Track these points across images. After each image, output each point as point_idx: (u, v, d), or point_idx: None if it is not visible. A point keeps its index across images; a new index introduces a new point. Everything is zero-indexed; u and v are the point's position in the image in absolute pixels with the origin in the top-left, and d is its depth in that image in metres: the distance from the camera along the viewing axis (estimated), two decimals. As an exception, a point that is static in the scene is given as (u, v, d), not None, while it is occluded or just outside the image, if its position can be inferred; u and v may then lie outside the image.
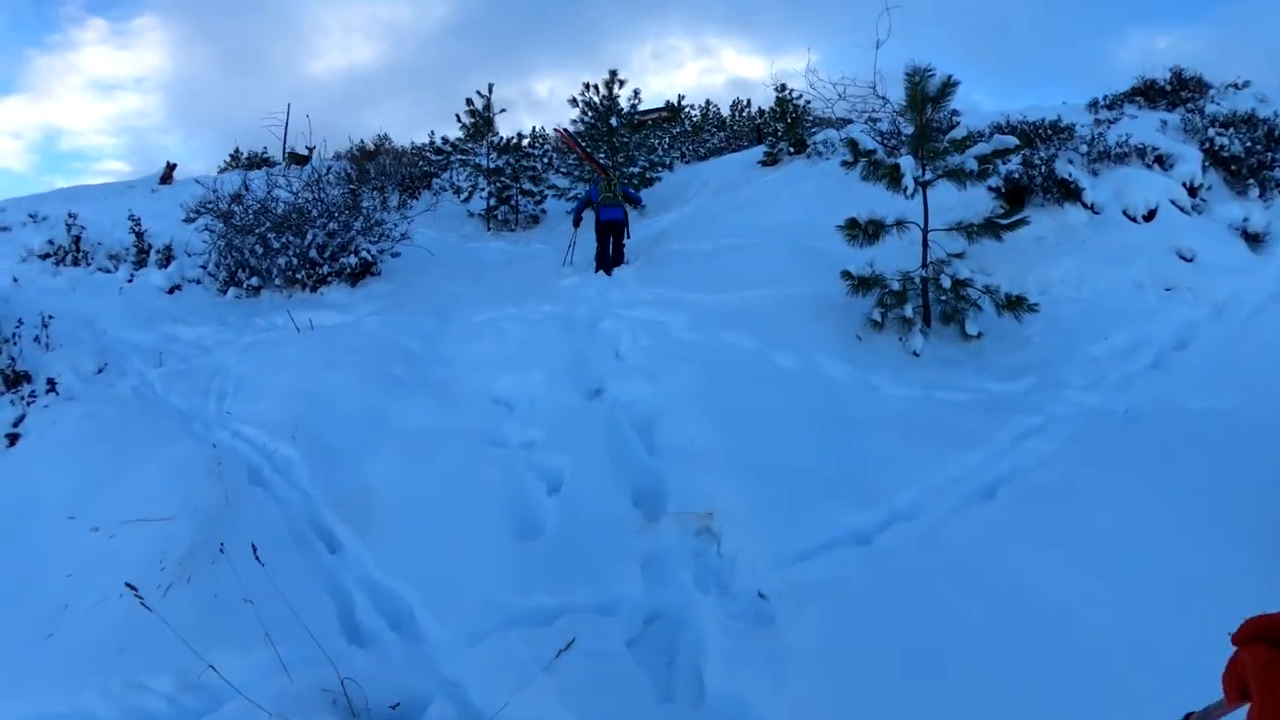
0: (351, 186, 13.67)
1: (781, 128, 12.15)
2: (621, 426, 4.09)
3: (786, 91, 12.73)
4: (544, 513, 3.41)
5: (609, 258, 7.97)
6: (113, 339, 7.11)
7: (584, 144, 11.97)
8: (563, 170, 12.69)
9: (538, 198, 12.41)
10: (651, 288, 6.55)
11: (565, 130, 11.22)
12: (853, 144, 5.02)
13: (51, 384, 5.87)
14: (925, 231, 5.10)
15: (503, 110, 12.35)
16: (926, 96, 4.75)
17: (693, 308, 5.77)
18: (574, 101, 12.07)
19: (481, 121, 12.29)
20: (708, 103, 20.02)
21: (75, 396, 5.81)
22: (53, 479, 4.50)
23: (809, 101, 11.90)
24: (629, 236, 8.37)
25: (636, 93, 12.12)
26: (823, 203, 8.01)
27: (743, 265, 6.53)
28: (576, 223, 8.55)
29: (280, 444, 4.34)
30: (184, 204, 9.32)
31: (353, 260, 7.53)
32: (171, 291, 7.95)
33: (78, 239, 9.23)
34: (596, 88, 11.97)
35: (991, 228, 4.93)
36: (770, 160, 12.06)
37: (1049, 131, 7.95)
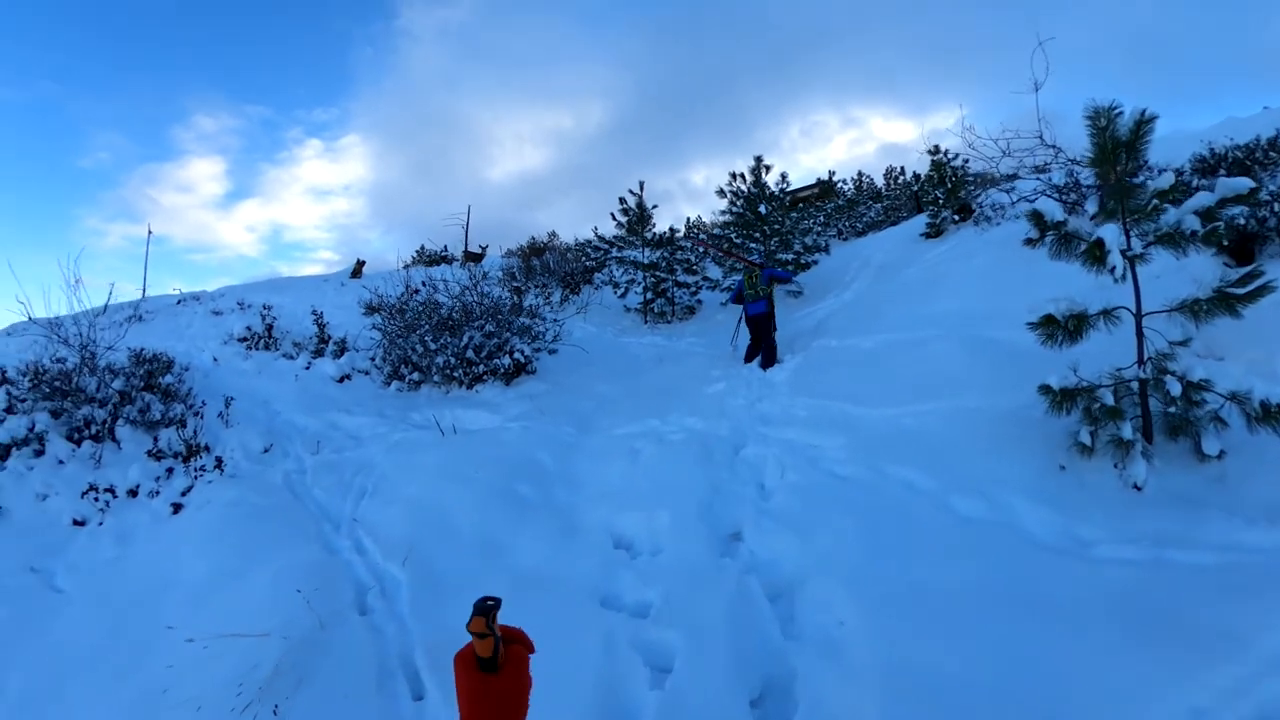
0: (515, 285, 14.51)
1: (941, 194, 11.11)
2: (754, 595, 3.28)
3: (941, 153, 11.75)
4: (641, 708, 2.70)
5: (756, 351, 7.86)
6: (283, 421, 7.60)
7: (728, 237, 11.83)
8: (717, 259, 12.60)
9: (693, 289, 12.33)
10: (806, 397, 5.79)
11: (699, 236, 11.17)
12: (1037, 217, 3.89)
13: (219, 462, 6.29)
14: (1139, 317, 3.80)
15: (655, 206, 12.56)
16: (1118, 142, 3.59)
17: (852, 427, 4.95)
18: (722, 193, 11.98)
19: (635, 218, 12.55)
20: (860, 174, 19.26)
21: (237, 474, 6.10)
22: (192, 561, 4.61)
23: (967, 161, 10.85)
24: (774, 328, 8.05)
25: (784, 176, 11.87)
26: (999, 279, 6.95)
27: (910, 369, 5.58)
28: (738, 300, 8.38)
29: (393, 565, 4.11)
30: (360, 299, 10.13)
31: (506, 361, 7.63)
32: (341, 380, 8.48)
33: (270, 327, 10.31)
34: (743, 176, 11.84)
35: (1224, 301, 3.47)
36: (934, 232, 11.02)
37: (1268, 153, 6.30)
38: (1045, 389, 3.91)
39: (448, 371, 7.58)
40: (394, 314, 8.37)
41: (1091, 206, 4.05)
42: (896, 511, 3.75)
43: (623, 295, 12.42)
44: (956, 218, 10.92)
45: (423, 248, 22.96)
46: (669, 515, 4.13)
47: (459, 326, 7.80)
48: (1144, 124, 3.61)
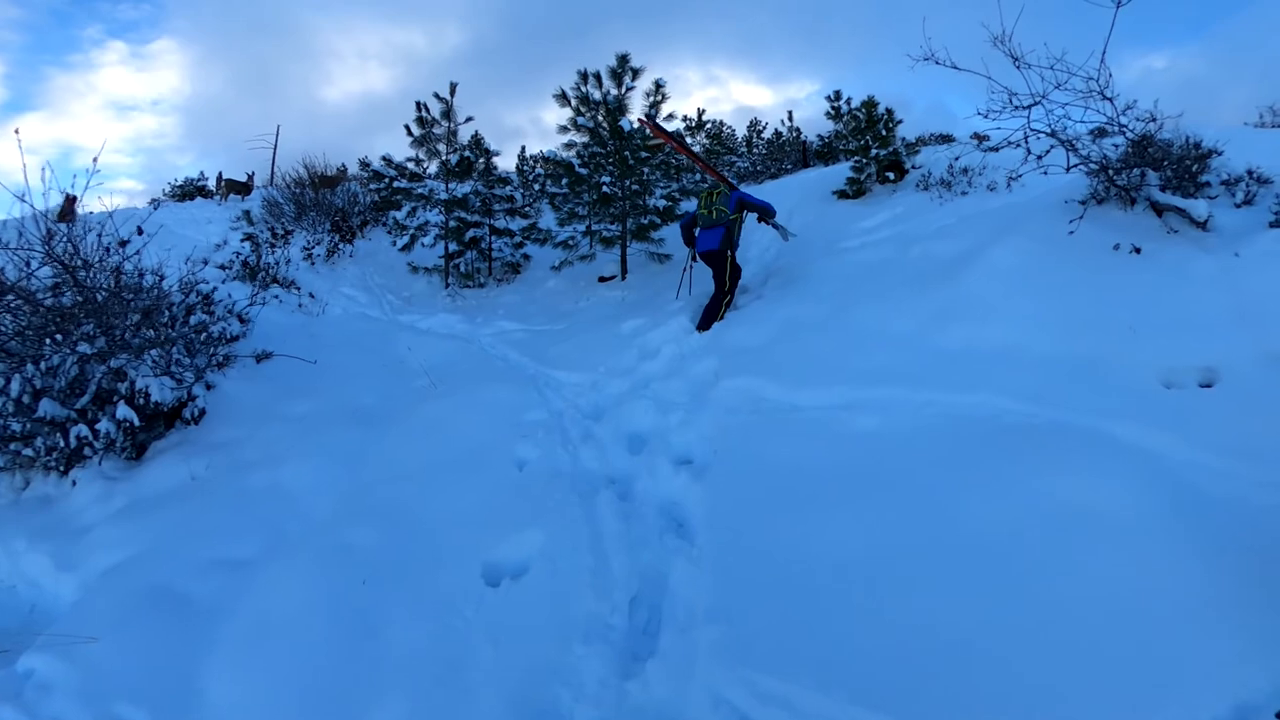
0: (249, 232, 9.98)
1: (872, 144, 8.10)
2: None
3: (841, 100, 8.95)
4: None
5: (711, 311, 5.43)
6: None
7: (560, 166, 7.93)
8: (557, 202, 8.42)
9: (517, 239, 8.63)
10: (758, 674, 2.00)
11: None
12: None
13: None
14: None
15: (469, 118, 8.56)
16: None
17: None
18: (564, 98, 7.57)
19: (435, 133, 8.54)
20: (720, 122, 15.97)
21: None
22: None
23: (891, 111, 7.91)
24: (735, 275, 5.59)
25: (659, 86, 7.41)
26: (1065, 293, 3.47)
27: (1047, 562, 2.07)
28: (688, 241, 6.10)
29: None
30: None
31: (107, 426, 3.47)
32: None
33: None
34: (598, 78, 7.48)
35: None
36: (856, 190, 8.05)
37: None
38: None
39: (15, 443, 3.42)
40: None
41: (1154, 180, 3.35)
42: None
43: (405, 248, 8.48)
44: (891, 176, 7.99)
45: (222, 174, 16.75)
46: None
47: (47, 336, 3.57)
48: None
